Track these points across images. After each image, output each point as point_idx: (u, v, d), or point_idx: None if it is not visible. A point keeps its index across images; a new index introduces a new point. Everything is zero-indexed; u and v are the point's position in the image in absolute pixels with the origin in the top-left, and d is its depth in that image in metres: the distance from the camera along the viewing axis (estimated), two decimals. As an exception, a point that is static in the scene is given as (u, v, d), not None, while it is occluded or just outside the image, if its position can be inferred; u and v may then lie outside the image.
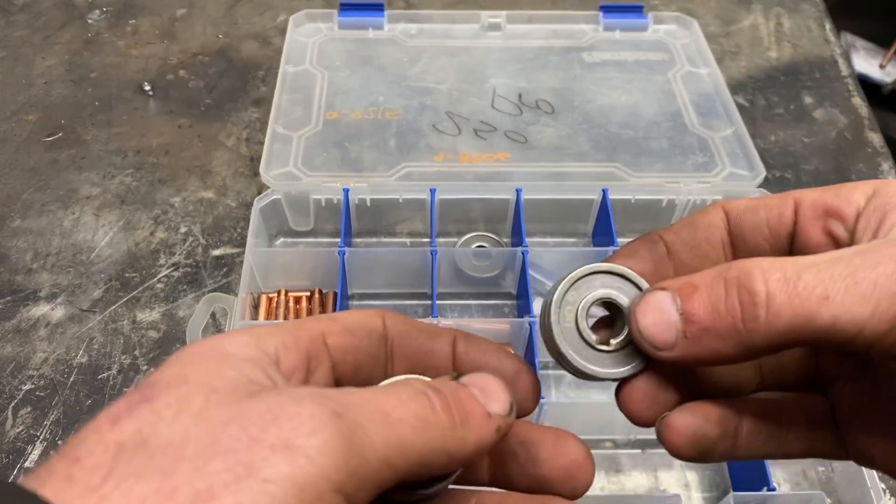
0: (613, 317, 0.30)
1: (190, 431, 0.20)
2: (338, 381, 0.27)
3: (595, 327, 0.30)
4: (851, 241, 0.26)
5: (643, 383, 0.28)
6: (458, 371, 0.29)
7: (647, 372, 0.28)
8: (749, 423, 0.28)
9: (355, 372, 0.28)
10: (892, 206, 0.25)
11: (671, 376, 0.28)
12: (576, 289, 0.29)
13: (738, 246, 0.29)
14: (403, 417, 0.23)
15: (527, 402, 0.30)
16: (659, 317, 0.25)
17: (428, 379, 0.27)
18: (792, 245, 0.28)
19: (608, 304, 0.29)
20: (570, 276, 0.29)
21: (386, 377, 0.28)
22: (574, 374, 0.29)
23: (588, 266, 0.29)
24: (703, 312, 0.24)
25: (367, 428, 0.22)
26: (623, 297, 0.29)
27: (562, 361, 0.29)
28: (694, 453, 0.27)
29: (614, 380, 0.28)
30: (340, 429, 0.21)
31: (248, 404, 0.21)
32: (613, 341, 0.28)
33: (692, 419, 0.27)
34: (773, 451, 0.29)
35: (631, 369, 0.28)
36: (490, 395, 0.25)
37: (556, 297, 0.29)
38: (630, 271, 0.29)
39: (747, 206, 0.29)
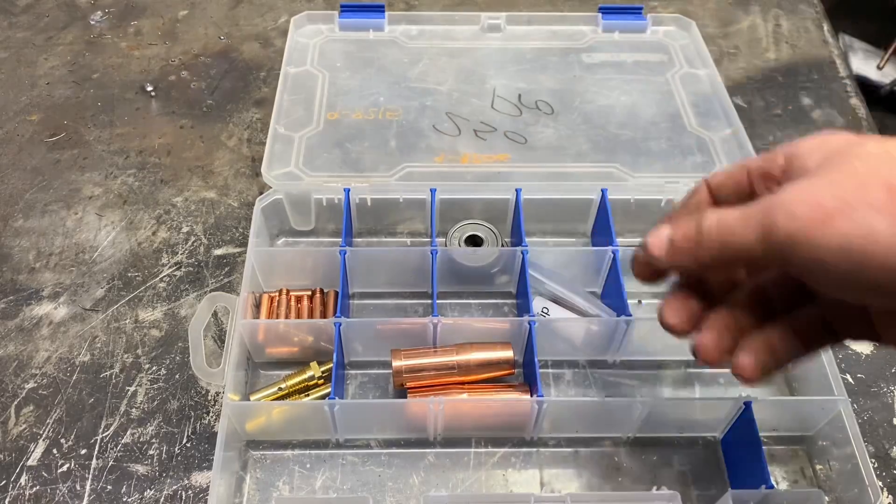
0: None
1: None
2: None
3: None
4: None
5: (674, 300, 0.40)
6: None
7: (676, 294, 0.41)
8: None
9: None
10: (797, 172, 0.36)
11: (692, 292, 0.41)
12: None
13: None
14: None
15: None
16: (657, 238, 0.38)
17: None
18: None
19: None
20: None
21: None
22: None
23: None
24: (677, 238, 0.37)
25: None
26: None
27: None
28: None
29: None
30: None
31: None
32: None
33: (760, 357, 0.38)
34: None
35: None
36: None
37: None
38: None
39: (722, 182, 0.41)
